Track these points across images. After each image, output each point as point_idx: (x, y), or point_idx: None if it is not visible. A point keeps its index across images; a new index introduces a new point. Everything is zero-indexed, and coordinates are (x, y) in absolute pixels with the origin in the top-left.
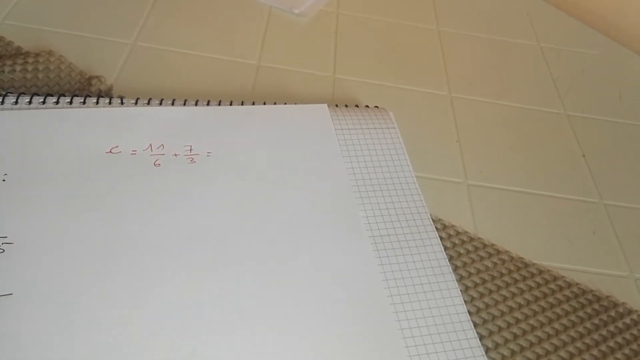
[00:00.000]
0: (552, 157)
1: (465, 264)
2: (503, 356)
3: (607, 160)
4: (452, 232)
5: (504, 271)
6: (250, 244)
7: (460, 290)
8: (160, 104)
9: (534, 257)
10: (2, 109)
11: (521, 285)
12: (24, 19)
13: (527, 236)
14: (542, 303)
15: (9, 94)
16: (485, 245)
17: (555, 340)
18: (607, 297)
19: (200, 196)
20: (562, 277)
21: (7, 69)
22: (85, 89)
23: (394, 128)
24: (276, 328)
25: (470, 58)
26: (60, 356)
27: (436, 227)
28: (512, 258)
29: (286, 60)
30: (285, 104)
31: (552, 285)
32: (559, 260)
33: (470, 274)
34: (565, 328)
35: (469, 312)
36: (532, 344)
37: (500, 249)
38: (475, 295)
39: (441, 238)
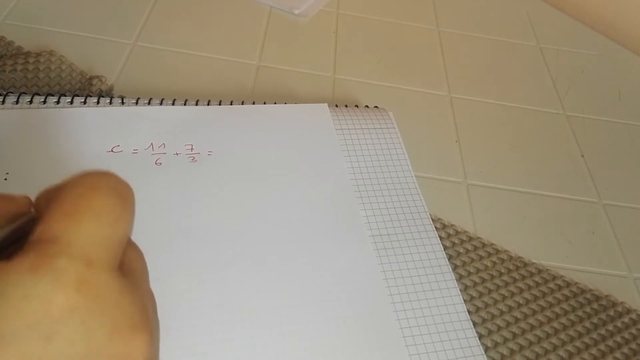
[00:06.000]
0: (551, 157)
1: (464, 263)
2: (502, 355)
3: (606, 160)
4: (451, 232)
5: (503, 270)
6: (250, 243)
7: (460, 289)
8: (161, 103)
9: (533, 257)
10: (3, 109)
11: (520, 284)
12: (25, 19)
13: (526, 235)
14: (541, 302)
15: (10, 93)
16: (484, 245)
17: (554, 340)
18: (606, 296)
19: (201, 195)
20: (561, 276)
21: (8, 68)
22: (86, 88)
23: (394, 128)
24: (276, 327)
25: (470, 58)
26: None
27: (436, 227)
28: (511, 257)
29: (286, 60)
30: (285, 103)
31: (551, 285)
32: (558, 259)
33: (469, 273)
34: (564, 327)
35: (468, 311)
36: (531, 343)
37: (499, 248)
38: (474, 295)
39: (441, 237)
